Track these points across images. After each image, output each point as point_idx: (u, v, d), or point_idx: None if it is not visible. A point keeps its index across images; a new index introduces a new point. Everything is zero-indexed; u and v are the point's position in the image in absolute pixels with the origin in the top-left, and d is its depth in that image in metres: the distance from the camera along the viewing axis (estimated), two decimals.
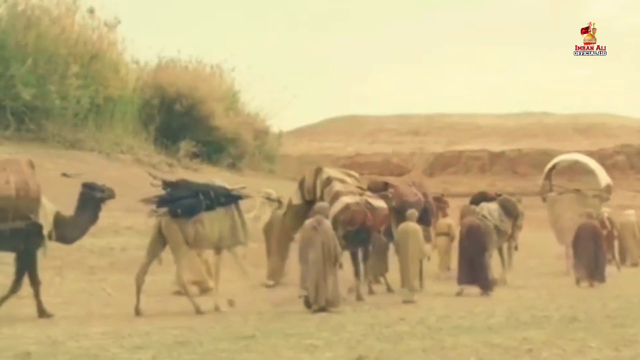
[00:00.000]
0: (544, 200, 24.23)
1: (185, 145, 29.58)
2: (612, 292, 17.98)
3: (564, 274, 22.20)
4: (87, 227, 14.67)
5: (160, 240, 14.47)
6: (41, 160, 24.27)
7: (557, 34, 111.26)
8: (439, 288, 18.77)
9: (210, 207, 14.54)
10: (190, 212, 14.31)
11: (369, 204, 16.43)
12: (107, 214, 19.11)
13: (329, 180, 16.36)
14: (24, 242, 13.66)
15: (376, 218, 16.55)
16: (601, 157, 53.87)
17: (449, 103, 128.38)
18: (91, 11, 29.40)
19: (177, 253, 14.37)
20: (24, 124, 25.89)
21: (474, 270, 17.67)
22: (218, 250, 15.09)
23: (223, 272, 15.49)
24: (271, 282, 18.61)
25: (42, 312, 13.70)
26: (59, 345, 10.60)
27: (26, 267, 13.79)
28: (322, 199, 15.98)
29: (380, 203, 16.74)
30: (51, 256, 16.34)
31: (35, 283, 13.84)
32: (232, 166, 32.49)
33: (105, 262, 18.82)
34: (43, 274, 15.81)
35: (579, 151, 56.80)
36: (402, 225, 16.67)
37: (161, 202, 14.39)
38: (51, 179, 21.21)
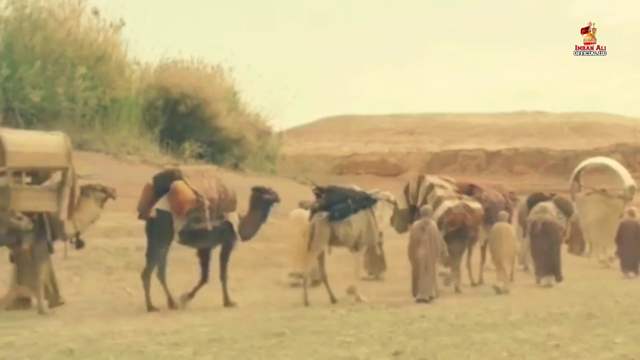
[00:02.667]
0: (574, 199, 25.51)
1: (190, 146, 29.85)
2: (621, 289, 18.34)
3: (573, 271, 22.62)
4: (259, 226, 16.41)
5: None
6: None
7: (548, 32, 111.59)
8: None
9: (355, 210, 16.50)
10: (343, 215, 16.34)
11: (467, 206, 18.50)
12: (119, 214, 19.46)
13: (431, 187, 18.43)
14: (220, 238, 15.64)
15: (473, 218, 18.59)
16: (597, 156, 54.34)
17: (441, 102, 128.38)
18: (95, 12, 29.64)
19: (315, 249, 16.33)
20: (33, 125, 26.10)
21: (551, 262, 19.72)
22: (356, 248, 16.93)
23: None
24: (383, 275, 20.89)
25: (227, 302, 15.58)
26: (95, 342, 10.86)
27: (228, 254, 15.87)
28: (424, 203, 17.99)
29: (476, 205, 18.77)
30: (68, 257, 16.63)
31: (224, 276, 15.73)
32: (235, 167, 32.71)
33: (122, 262, 19.02)
34: (62, 273, 16.16)
35: (575, 150, 57.60)
36: (496, 225, 18.77)
37: (321, 206, 16.38)
38: None
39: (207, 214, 15.07)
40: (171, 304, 15.07)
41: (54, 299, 14.47)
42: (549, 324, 12.49)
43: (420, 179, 18.82)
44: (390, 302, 15.94)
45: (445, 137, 65.63)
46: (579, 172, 27.70)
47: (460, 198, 18.64)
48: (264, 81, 60.93)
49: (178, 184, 14.94)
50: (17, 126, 25.93)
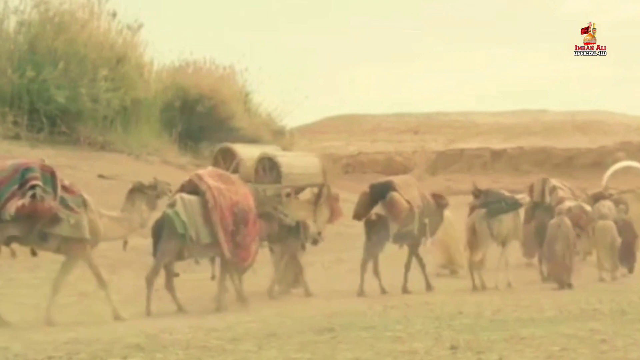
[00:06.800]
0: None
1: (209, 146, 30.23)
2: None
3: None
4: (438, 227, 19.51)
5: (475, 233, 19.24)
6: (76, 162, 24.97)
7: (546, 30, 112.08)
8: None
9: (506, 211, 19.33)
10: (498, 212, 19.14)
11: (582, 207, 20.96)
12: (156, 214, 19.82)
13: (554, 188, 21.55)
14: (414, 238, 18.61)
15: (587, 218, 20.87)
16: (602, 155, 54.69)
17: (441, 101, 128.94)
18: (114, 14, 30.05)
19: (483, 243, 19.12)
20: (56, 126, 26.51)
21: (627, 255, 21.81)
22: (503, 244, 19.68)
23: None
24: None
25: (429, 286, 18.61)
26: (156, 338, 11.22)
27: (415, 254, 18.75)
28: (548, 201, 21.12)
29: (588, 206, 21.34)
30: (103, 255, 17.08)
31: (408, 268, 18.68)
32: None
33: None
34: None
35: (579, 149, 57.97)
36: (601, 223, 21.00)
37: (482, 205, 19.21)
38: (88, 180, 21.90)
39: (416, 219, 18.22)
40: (361, 292, 17.71)
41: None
42: (585, 319, 12.84)
43: (545, 181, 21.91)
44: (423, 300, 16.37)
45: (449, 136, 66.06)
46: (612, 174, 30.14)
47: (576, 199, 21.47)
48: (270, 81, 61.16)
49: (395, 195, 17.94)
50: (41, 127, 26.42)
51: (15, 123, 25.92)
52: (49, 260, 17.42)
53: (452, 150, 60.92)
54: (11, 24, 27.19)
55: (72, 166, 24.60)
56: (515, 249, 21.60)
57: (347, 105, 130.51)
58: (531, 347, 10.11)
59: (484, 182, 51.34)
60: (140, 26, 30.54)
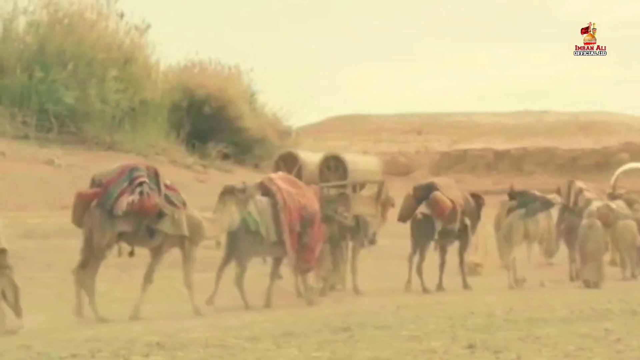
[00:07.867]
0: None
1: (216, 147, 30.40)
2: None
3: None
4: (476, 227, 20.47)
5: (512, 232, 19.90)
6: (85, 162, 25.06)
7: (545, 30, 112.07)
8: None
9: (541, 210, 20.22)
10: (534, 212, 20.01)
11: (609, 206, 21.71)
12: None
13: (580, 190, 22.29)
14: (463, 235, 19.56)
15: (614, 217, 21.55)
16: (605, 155, 54.86)
17: (442, 102, 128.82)
18: (121, 15, 30.20)
19: (513, 240, 19.76)
20: (65, 126, 26.63)
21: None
22: (539, 242, 20.77)
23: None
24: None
25: (440, 286, 19.13)
26: (172, 336, 11.28)
27: (465, 249, 19.92)
28: (575, 203, 21.93)
29: (614, 206, 22.05)
30: (113, 255, 17.13)
31: (462, 262, 19.94)
32: (256, 167, 33.25)
33: (165, 260, 19.41)
34: (111, 271, 16.66)
35: (582, 149, 58.08)
36: (622, 222, 21.72)
37: (520, 205, 19.93)
38: None
39: (458, 217, 19.00)
40: (408, 287, 18.70)
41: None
42: (598, 319, 12.95)
43: (571, 183, 22.71)
44: (435, 300, 16.48)
45: (452, 137, 66.09)
46: (620, 174, 30.65)
47: (602, 199, 22.20)
48: (273, 81, 61.38)
49: (438, 194, 18.64)
50: (50, 127, 26.54)
51: (24, 123, 26.08)
52: (65, 260, 17.58)
53: (455, 151, 60.99)
54: (20, 24, 27.45)
55: (81, 166, 24.71)
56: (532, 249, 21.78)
57: (350, 105, 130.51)
58: (547, 347, 10.22)
59: (488, 183, 51.73)
60: (147, 27, 30.75)
